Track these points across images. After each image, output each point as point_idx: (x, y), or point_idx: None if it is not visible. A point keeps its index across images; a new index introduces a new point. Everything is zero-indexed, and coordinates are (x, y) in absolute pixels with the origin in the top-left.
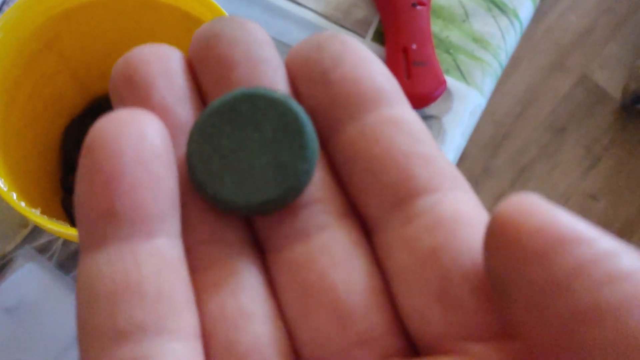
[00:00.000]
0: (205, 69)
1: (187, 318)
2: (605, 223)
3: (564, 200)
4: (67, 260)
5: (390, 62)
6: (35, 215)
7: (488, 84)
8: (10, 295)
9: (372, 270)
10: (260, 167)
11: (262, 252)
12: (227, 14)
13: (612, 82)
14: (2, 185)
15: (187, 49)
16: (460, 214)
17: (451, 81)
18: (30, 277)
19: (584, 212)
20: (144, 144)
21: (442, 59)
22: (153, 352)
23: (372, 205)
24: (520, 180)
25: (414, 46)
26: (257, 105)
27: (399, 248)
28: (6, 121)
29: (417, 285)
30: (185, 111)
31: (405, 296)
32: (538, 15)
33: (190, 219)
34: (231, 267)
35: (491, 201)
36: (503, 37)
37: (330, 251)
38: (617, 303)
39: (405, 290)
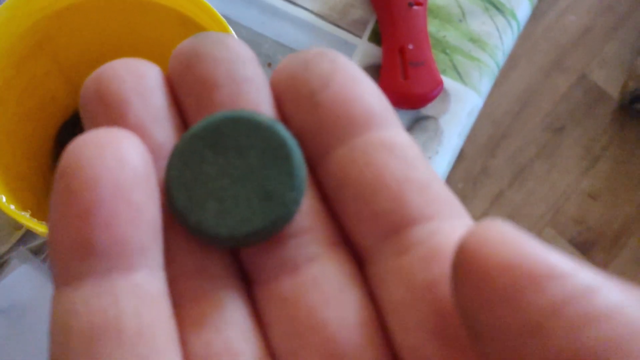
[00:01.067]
0: (185, 89)
1: (170, 358)
2: (604, 223)
3: (563, 200)
4: None
5: (387, 63)
6: (25, 218)
7: (485, 84)
8: (4, 296)
9: (365, 305)
10: (245, 196)
11: (248, 283)
12: (220, 15)
13: (611, 81)
14: None
15: None
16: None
17: (448, 81)
18: (25, 279)
19: (583, 211)
20: (124, 169)
21: (439, 59)
22: None
23: (364, 235)
24: (518, 180)
25: (411, 46)
26: (241, 130)
27: (394, 281)
28: None
29: (413, 320)
30: (163, 132)
31: (401, 332)
32: (537, 14)
33: (171, 249)
34: (216, 301)
35: (489, 201)
36: (500, 37)
37: (320, 285)
38: (596, 346)
39: (400, 326)
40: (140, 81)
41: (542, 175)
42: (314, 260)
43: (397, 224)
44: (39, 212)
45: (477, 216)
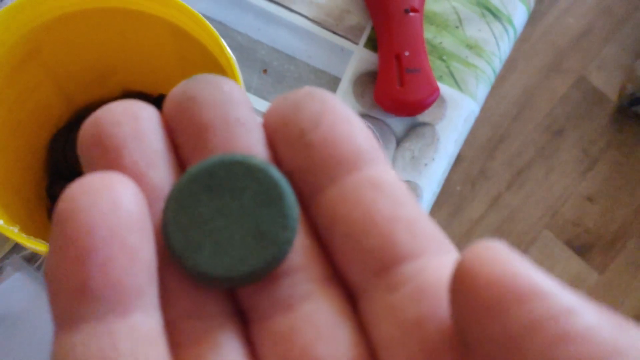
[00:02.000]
0: (181, 132)
1: None
2: (602, 225)
3: (561, 202)
4: None
5: (383, 69)
6: (13, 233)
7: (482, 91)
8: None
9: (357, 341)
10: (240, 237)
11: (244, 322)
12: (216, 21)
13: (609, 84)
14: None
15: (172, 59)
16: (445, 281)
17: (444, 88)
18: (18, 287)
19: (581, 214)
20: (119, 213)
21: (436, 65)
22: None
23: (355, 272)
24: (516, 182)
25: (407, 53)
26: (235, 173)
27: (384, 318)
28: None
29: (403, 357)
30: (159, 175)
31: None
32: (535, 16)
33: (169, 291)
34: (213, 342)
35: (488, 203)
36: (497, 44)
37: (313, 322)
38: None
39: None
40: (137, 124)
41: (540, 177)
42: (308, 298)
43: (386, 261)
44: (32, 223)
45: (476, 218)
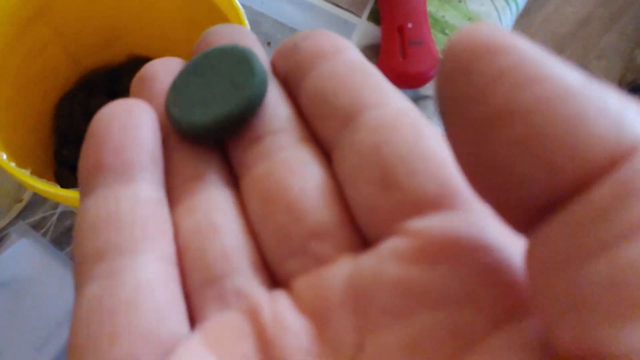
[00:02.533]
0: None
1: (161, 244)
2: None
3: None
4: (62, 236)
5: (386, 42)
6: (26, 176)
7: None
8: (4, 270)
9: (326, 178)
10: (220, 94)
11: (237, 179)
12: None
13: (609, 73)
14: None
15: (179, 20)
16: (403, 118)
17: None
18: (24, 253)
19: None
20: (130, 118)
21: (438, 39)
22: (125, 266)
23: (328, 128)
24: None
25: (410, 25)
26: (214, 55)
27: (348, 153)
28: None
29: (362, 178)
30: None
31: (353, 190)
32: (535, 5)
33: (173, 165)
34: (207, 195)
35: None
36: (499, 18)
37: (288, 162)
38: (530, 105)
39: (352, 185)
40: (167, 65)
41: None
42: (286, 148)
43: (352, 112)
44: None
45: None
